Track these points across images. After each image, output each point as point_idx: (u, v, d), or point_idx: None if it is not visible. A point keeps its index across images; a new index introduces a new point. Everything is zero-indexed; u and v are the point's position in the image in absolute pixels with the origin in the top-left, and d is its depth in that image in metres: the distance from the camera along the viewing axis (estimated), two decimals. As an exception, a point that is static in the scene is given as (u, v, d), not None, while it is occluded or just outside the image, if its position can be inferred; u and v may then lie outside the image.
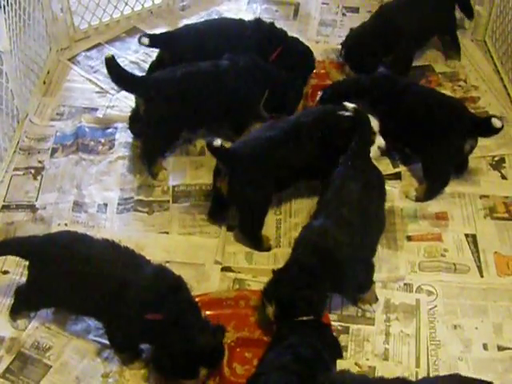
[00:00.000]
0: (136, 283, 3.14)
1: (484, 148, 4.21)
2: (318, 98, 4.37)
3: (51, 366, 3.30)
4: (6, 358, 3.33)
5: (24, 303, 3.44)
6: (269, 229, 3.92)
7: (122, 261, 3.24)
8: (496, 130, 3.82)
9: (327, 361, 3.07)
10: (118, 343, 3.28)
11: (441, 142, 3.91)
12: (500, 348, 3.36)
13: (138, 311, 3.09)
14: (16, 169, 4.23)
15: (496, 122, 3.78)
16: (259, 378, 2.96)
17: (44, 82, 4.81)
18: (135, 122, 4.33)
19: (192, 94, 4.08)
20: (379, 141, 3.82)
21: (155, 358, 3.20)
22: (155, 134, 4.13)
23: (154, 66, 4.54)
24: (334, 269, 3.27)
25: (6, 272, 3.67)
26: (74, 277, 3.20)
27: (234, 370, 3.28)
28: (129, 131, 4.41)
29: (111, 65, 3.97)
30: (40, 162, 4.26)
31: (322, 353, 3.05)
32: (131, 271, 3.19)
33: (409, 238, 3.86)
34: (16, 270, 3.65)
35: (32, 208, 3.99)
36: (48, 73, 4.87)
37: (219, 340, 3.18)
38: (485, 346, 3.22)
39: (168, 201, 4.08)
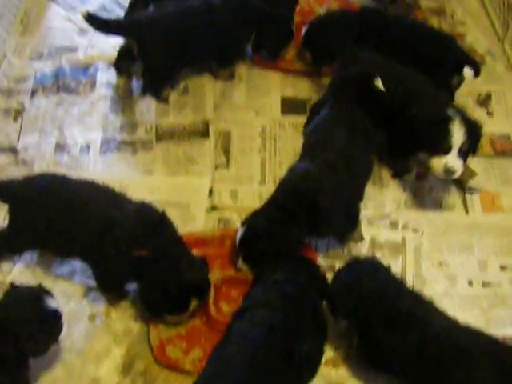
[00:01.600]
0: (120, 221, 3.13)
1: (470, 85, 4.16)
2: (303, 33, 4.29)
3: (38, 309, 3.29)
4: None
5: (7, 247, 3.42)
6: (253, 167, 3.91)
7: (103, 200, 3.22)
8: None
9: (313, 298, 3.07)
10: (105, 283, 3.28)
11: (429, 75, 3.82)
12: (485, 284, 3.40)
13: (123, 249, 3.09)
14: (-5, 111, 4.17)
15: (467, 72, 3.76)
16: (245, 314, 2.97)
17: (22, 21, 4.70)
18: (122, 59, 4.27)
19: (184, 32, 4.03)
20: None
21: (144, 296, 3.20)
22: (153, 72, 4.14)
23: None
24: (313, 212, 3.25)
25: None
26: (56, 219, 3.18)
27: (220, 309, 3.29)
28: (110, 71, 4.33)
29: (92, 21, 3.94)
30: (20, 103, 4.19)
31: (308, 289, 3.06)
32: (114, 210, 3.18)
33: (394, 176, 3.85)
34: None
35: (13, 150, 3.95)
36: (25, 12, 4.75)
37: (205, 272, 3.20)
38: (470, 283, 3.24)
39: (151, 140, 4.04)
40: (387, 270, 3.11)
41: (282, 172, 3.54)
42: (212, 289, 3.28)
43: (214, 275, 3.36)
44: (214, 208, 3.74)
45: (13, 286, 3.00)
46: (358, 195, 3.51)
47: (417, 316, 2.91)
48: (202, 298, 3.17)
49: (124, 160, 3.96)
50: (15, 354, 2.81)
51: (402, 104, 3.61)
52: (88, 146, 4.01)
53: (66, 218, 3.17)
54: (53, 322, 2.94)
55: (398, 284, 3.08)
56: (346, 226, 3.47)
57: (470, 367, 2.77)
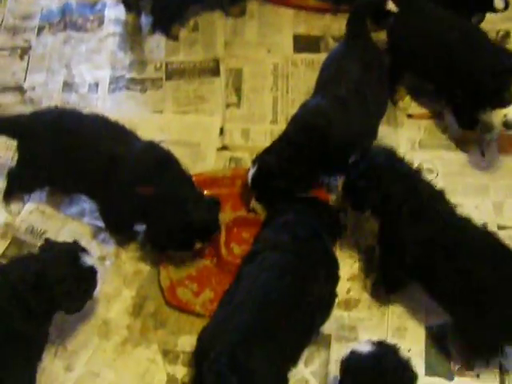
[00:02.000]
0: (126, 158, 3.09)
1: (488, 22, 4.02)
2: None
3: (47, 250, 3.27)
4: (1, 244, 3.32)
5: (16, 185, 3.40)
6: (265, 105, 3.83)
7: (111, 136, 3.18)
8: (500, 9, 3.66)
9: (325, 240, 3.03)
10: (111, 223, 3.26)
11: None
12: (500, 227, 3.33)
13: (128, 186, 3.05)
14: (1, 49, 4.08)
15: (498, 2, 3.62)
16: (255, 257, 2.94)
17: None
18: None
19: None
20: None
21: (149, 234, 3.17)
22: (162, 8, 4.06)
23: None
24: (324, 148, 3.19)
25: (-6, 156, 3.61)
26: (64, 153, 3.14)
27: (231, 251, 3.27)
28: (119, 7, 4.20)
29: None
30: (26, 41, 4.10)
31: (320, 231, 3.02)
32: (121, 146, 3.14)
33: (409, 115, 3.76)
34: (6, 153, 3.56)
35: (20, 89, 3.89)
36: None
37: (214, 213, 3.15)
38: (485, 225, 3.17)
39: (161, 78, 3.96)
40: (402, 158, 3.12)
41: (294, 110, 3.46)
42: (223, 230, 3.26)
43: (225, 216, 3.33)
44: (224, 147, 3.69)
45: (48, 242, 2.98)
46: (371, 133, 3.44)
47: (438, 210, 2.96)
48: (206, 238, 3.13)
49: (133, 98, 3.89)
50: (48, 309, 2.81)
51: (464, 57, 3.49)
52: (96, 85, 3.94)
53: (74, 152, 3.13)
54: (89, 278, 2.92)
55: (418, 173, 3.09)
56: None
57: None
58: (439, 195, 3.03)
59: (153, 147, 3.19)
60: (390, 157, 3.07)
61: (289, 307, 2.76)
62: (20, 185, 3.41)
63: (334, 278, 3.00)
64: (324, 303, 2.91)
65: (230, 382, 2.48)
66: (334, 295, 2.97)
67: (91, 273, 2.91)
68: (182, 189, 3.10)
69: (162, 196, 3.04)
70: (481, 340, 2.93)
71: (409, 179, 3.01)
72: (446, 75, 3.52)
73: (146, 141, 3.23)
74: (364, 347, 2.59)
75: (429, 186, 3.05)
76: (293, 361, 2.81)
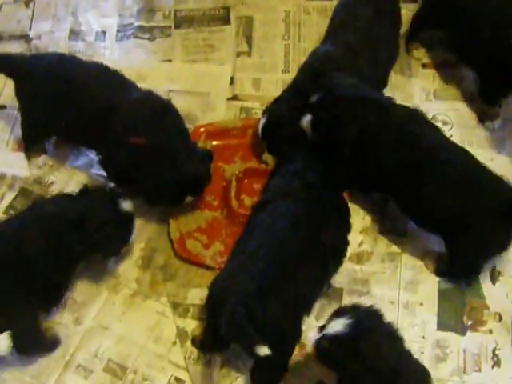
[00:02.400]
0: (122, 106, 3.03)
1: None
2: None
3: (55, 201, 3.25)
4: (8, 195, 3.30)
5: (25, 133, 3.38)
6: (277, 54, 3.76)
7: (110, 83, 3.13)
8: None
9: (336, 187, 3.01)
10: (111, 174, 3.21)
11: None
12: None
13: (122, 136, 3.00)
14: (6, -3, 4.02)
15: None
16: (266, 206, 2.90)
17: None
18: None
19: None
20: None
21: (141, 187, 3.12)
22: None
23: None
24: None
25: (2, 107, 3.57)
26: (62, 99, 3.10)
27: (242, 202, 3.23)
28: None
29: None
30: (31, -12, 4.04)
31: (329, 178, 2.99)
32: (118, 94, 3.08)
33: (424, 65, 3.68)
34: (13, 103, 3.48)
35: (26, 38, 3.83)
36: None
37: (207, 167, 3.11)
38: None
39: (170, 26, 3.89)
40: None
41: (306, 60, 3.40)
42: (233, 181, 3.23)
43: (236, 167, 3.30)
44: (235, 97, 3.63)
45: (87, 187, 2.99)
46: (382, 80, 3.39)
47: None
48: (197, 192, 3.11)
49: (141, 47, 3.82)
50: (85, 251, 2.87)
51: (496, 32, 3.31)
52: (104, 33, 3.88)
53: (71, 99, 3.08)
54: (127, 223, 2.95)
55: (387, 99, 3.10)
56: None
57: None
58: (414, 115, 3.02)
59: (149, 96, 3.12)
60: (353, 86, 3.02)
61: (303, 255, 2.73)
62: (23, 133, 3.38)
63: (346, 225, 2.98)
64: (337, 249, 2.89)
65: (249, 333, 2.45)
66: (346, 242, 2.94)
67: (129, 218, 2.95)
68: (175, 140, 3.03)
69: (152, 147, 2.98)
70: (467, 253, 2.97)
71: (380, 105, 2.98)
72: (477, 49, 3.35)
73: (145, 90, 3.16)
74: (336, 325, 2.50)
75: (402, 109, 3.03)
76: (307, 310, 2.79)
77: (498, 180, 2.89)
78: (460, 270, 3.04)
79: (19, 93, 3.26)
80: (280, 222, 2.80)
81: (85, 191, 2.96)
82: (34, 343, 2.88)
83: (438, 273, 3.07)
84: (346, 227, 2.98)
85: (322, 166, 3.01)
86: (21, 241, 2.77)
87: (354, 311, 2.50)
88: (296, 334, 2.70)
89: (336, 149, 3.00)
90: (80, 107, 3.07)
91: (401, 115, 2.99)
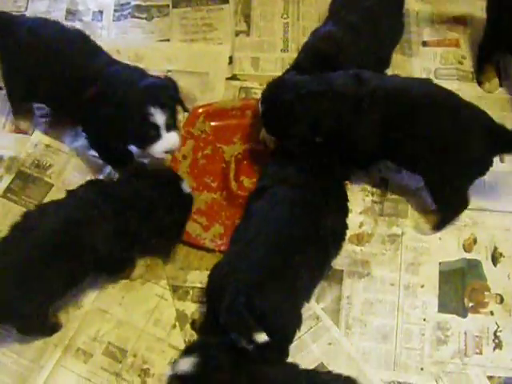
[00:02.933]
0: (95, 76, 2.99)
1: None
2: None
3: (53, 185, 3.25)
4: (6, 177, 3.28)
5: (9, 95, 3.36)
6: (276, 33, 3.73)
7: (85, 52, 3.10)
8: None
9: (333, 172, 3.00)
10: (94, 146, 3.20)
11: None
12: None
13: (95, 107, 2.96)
14: (2, -24, 3.97)
15: None
16: (263, 193, 2.89)
17: None
18: None
19: None
20: None
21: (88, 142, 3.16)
22: None
23: None
24: None
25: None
26: (40, 61, 3.08)
27: (241, 184, 3.21)
28: None
29: None
30: (28, -33, 4.00)
31: (326, 163, 2.98)
32: (91, 64, 3.04)
33: (424, 44, 3.67)
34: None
35: (22, 18, 3.77)
36: None
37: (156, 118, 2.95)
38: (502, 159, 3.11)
39: (168, 5, 3.86)
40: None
41: (305, 38, 3.39)
42: (232, 163, 3.22)
43: (235, 148, 3.29)
44: (234, 77, 3.61)
45: (138, 168, 3.00)
46: (384, 60, 3.38)
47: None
48: (144, 145, 2.99)
49: (139, 26, 3.80)
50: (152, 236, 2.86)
51: None
52: (101, 12, 3.86)
53: (49, 62, 3.06)
54: (189, 206, 2.94)
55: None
56: None
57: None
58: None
59: (115, 63, 3.09)
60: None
61: (302, 242, 2.71)
62: (9, 91, 3.35)
63: (345, 209, 2.97)
64: (337, 234, 2.88)
65: (248, 322, 2.44)
66: (345, 226, 2.93)
67: (190, 199, 2.95)
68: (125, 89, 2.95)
69: (100, 96, 2.95)
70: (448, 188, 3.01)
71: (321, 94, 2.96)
72: None
73: (124, 64, 3.11)
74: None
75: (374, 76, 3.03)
76: (306, 296, 2.78)
77: (472, 105, 2.98)
78: (450, 204, 3.08)
79: (1, 50, 3.21)
80: (277, 209, 2.79)
81: (139, 174, 2.93)
82: (39, 325, 2.88)
83: (436, 227, 3.11)
84: (344, 211, 2.97)
85: (319, 151, 3.00)
86: (89, 224, 2.74)
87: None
88: (296, 320, 2.69)
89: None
90: (56, 73, 3.04)
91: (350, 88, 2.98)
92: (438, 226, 3.11)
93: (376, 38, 3.25)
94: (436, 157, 2.93)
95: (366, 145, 3.00)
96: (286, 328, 2.64)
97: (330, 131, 2.97)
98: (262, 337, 2.42)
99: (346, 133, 2.98)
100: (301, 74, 3.09)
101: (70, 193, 2.86)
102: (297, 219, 2.75)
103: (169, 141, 2.91)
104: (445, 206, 3.09)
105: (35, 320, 2.83)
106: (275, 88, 3.05)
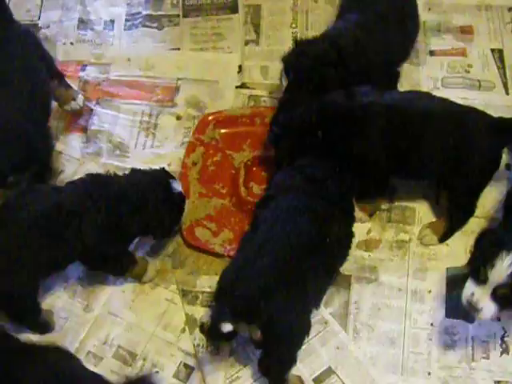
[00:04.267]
0: None
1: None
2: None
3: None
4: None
5: None
6: (285, 42, 3.74)
7: None
8: None
9: (339, 181, 2.97)
10: None
11: None
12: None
13: None
14: (15, -14, 4.01)
15: None
16: (269, 202, 2.88)
17: None
18: None
19: None
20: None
21: None
22: None
23: None
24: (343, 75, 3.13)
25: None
26: None
27: (250, 190, 3.24)
28: None
29: None
30: (40, -23, 4.03)
31: (333, 172, 2.96)
32: None
33: (431, 53, 3.66)
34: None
35: (35, 27, 3.80)
36: None
37: None
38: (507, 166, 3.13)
39: (178, 15, 3.87)
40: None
41: (313, 48, 3.38)
42: (242, 169, 3.24)
43: (245, 155, 3.31)
44: (243, 85, 3.63)
45: (134, 169, 3.01)
46: (401, 53, 3.41)
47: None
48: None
49: (150, 36, 3.82)
50: (138, 231, 2.92)
51: None
52: (112, 22, 3.88)
53: None
54: (180, 204, 2.98)
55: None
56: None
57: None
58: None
59: None
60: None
61: (308, 249, 2.70)
62: None
63: (350, 218, 2.97)
64: (342, 243, 2.88)
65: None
66: (351, 235, 2.94)
67: (181, 199, 2.98)
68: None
69: None
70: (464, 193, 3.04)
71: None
72: None
73: None
74: None
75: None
76: (315, 304, 2.79)
77: (472, 109, 3.02)
78: (460, 210, 3.10)
79: None
80: (283, 217, 2.78)
81: (134, 173, 2.98)
82: (29, 313, 2.92)
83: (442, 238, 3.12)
84: (351, 219, 2.97)
85: (325, 161, 2.99)
86: (81, 215, 2.78)
87: None
88: (304, 326, 2.70)
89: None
90: None
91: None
92: (445, 237, 3.11)
93: (386, 34, 3.25)
94: (448, 165, 2.95)
95: (373, 158, 2.99)
96: (294, 334, 2.65)
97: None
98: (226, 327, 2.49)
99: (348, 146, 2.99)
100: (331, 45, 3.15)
101: (69, 183, 2.93)
102: (301, 227, 2.74)
103: None
104: (455, 213, 3.10)
105: (24, 303, 2.87)
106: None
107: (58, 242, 2.76)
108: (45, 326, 2.95)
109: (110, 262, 2.96)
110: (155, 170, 3.01)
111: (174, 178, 2.99)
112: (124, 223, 2.82)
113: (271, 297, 2.55)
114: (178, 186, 2.96)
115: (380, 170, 3.04)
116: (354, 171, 2.98)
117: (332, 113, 2.98)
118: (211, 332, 2.66)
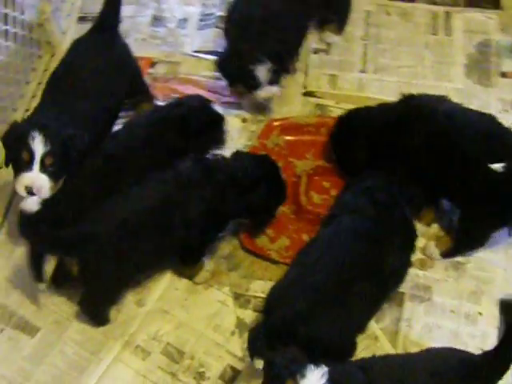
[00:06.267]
0: None
1: None
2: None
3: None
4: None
5: None
6: (355, 54, 3.76)
7: None
8: None
9: (404, 207, 2.95)
10: None
11: None
12: None
13: None
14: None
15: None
16: (332, 220, 2.88)
17: None
18: None
19: None
20: None
21: None
22: None
23: None
24: None
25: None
26: None
27: (310, 199, 3.23)
28: None
29: None
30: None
31: (399, 199, 2.94)
32: None
33: (503, 75, 3.64)
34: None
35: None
36: None
37: None
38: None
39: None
40: None
41: (384, 61, 3.40)
42: (303, 177, 3.25)
43: (307, 164, 3.31)
44: (311, 93, 3.64)
45: (240, 153, 3.09)
46: None
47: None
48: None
49: (222, 37, 3.75)
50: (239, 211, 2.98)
51: None
52: (185, 20, 3.93)
53: None
54: (284, 193, 3.11)
55: None
56: None
57: None
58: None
59: None
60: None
61: (361, 272, 2.69)
62: None
63: (410, 248, 2.93)
64: (398, 272, 2.85)
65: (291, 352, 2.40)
66: (408, 265, 2.91)
67: (286, 188, 3.08)
68: None
69: None
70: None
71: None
72: None
73: None
74: None
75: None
76: (361, 327, 2.76)
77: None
78: (472, 241, 3.09)
79: None
80: (342, 236, 2.78)
81: (237, 157, 3.02)
82: (102, 303, 2.96)
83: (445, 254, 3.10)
84: (411, 249, 2.93)
85: (394, 186, 2.98)
86: (183, 203, 2.83)
87: None
88: (347, 348, 2.68)
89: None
90: None
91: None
92: (448, 255, 3.10)
93: None
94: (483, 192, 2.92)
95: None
96: (337, 354, 2.61)
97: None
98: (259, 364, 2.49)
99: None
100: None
101: (173, 170, 2.92)
102: (359, 249, 2.73)
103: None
104: (465, 240, 3.09)
105: (110, 291, 2.93)
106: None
107: (164, 232, 2.82)
108: (104, 320, 2.98)
109: (194, 253, 3.01)
110: (263, 157, 3.07)
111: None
112: (226, 208, 2.90)
113: (317, 316, 2.55)
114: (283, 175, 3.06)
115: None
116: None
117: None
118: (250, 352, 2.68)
